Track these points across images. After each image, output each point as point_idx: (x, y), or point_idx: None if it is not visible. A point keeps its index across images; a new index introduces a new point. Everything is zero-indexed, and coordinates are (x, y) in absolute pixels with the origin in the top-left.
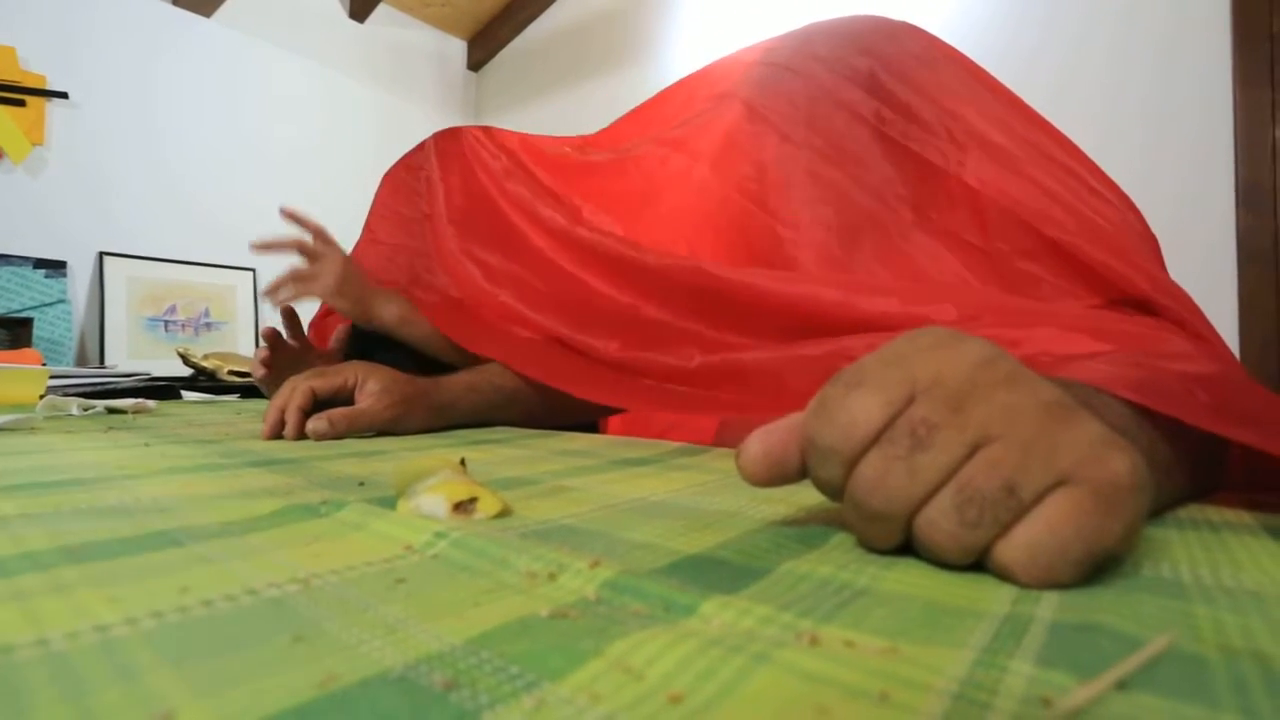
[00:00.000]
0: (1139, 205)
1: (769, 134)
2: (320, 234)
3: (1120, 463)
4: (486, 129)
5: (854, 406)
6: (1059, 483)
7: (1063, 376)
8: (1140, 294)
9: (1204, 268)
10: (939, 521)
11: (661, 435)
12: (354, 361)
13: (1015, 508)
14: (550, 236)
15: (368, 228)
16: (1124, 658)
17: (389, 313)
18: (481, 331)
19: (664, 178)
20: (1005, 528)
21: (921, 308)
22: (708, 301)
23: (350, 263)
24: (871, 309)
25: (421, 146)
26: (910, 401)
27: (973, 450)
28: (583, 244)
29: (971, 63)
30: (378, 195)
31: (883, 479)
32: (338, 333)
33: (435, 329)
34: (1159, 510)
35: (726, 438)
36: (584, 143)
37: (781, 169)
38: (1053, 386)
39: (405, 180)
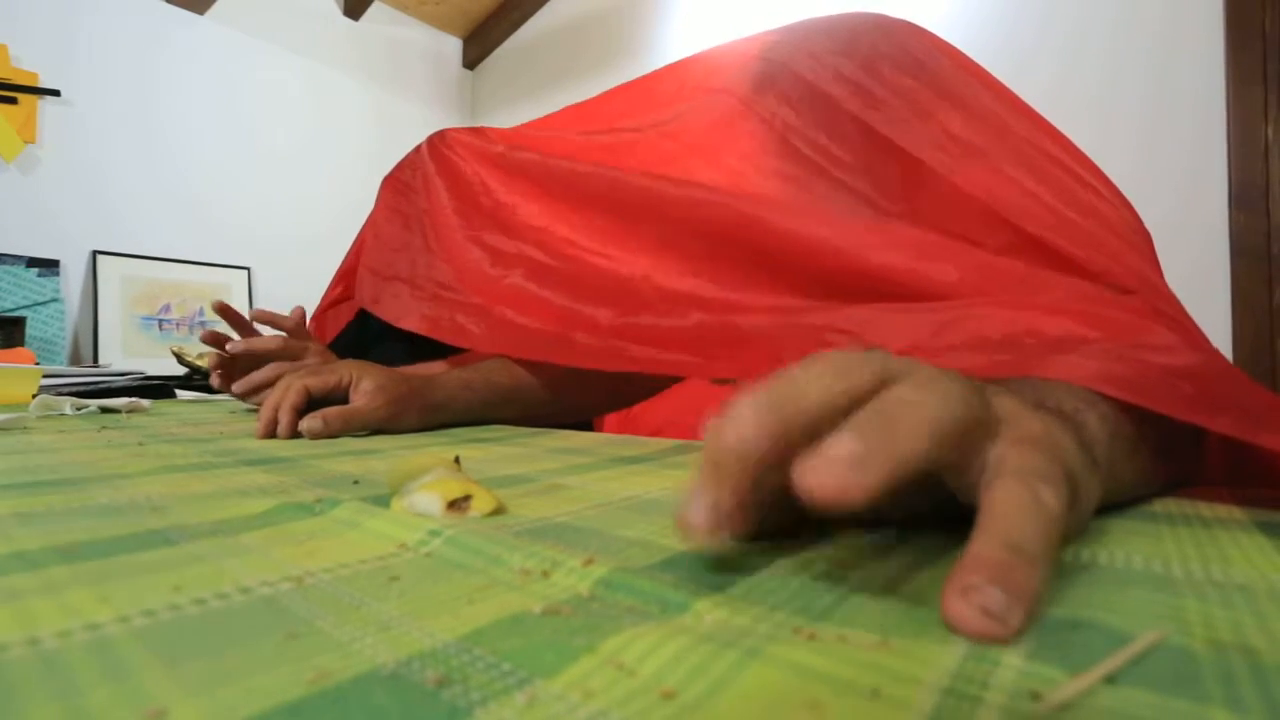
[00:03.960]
0: (1134, 202)
1: (764, 131)
2: (298, 329)
3: (1034, 425)
4: (474, 129)
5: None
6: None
7: (1053, 378)
8: (1124, 287)
9: (1197, 265)
10: None
11: (657, 433)
12: (348, 360)
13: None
14: (555, 200)
15: (372, 223)
16: (1113, 652)
17: (443, 394)
18: (486, 330)
19: (658, 169)
20: None
21: (927, 264)
22: (722, 240)
23: (368, 367)
24: (882, 260)
25: (416, 150)
26: None
27: None
28: (602, 184)
29: (969, 60)
30: (379, 196)
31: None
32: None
33: (487, 381)
34: (1151, 495)
35: None
36: (576, 115)
37: (776, 166)
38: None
39: (404, 180)
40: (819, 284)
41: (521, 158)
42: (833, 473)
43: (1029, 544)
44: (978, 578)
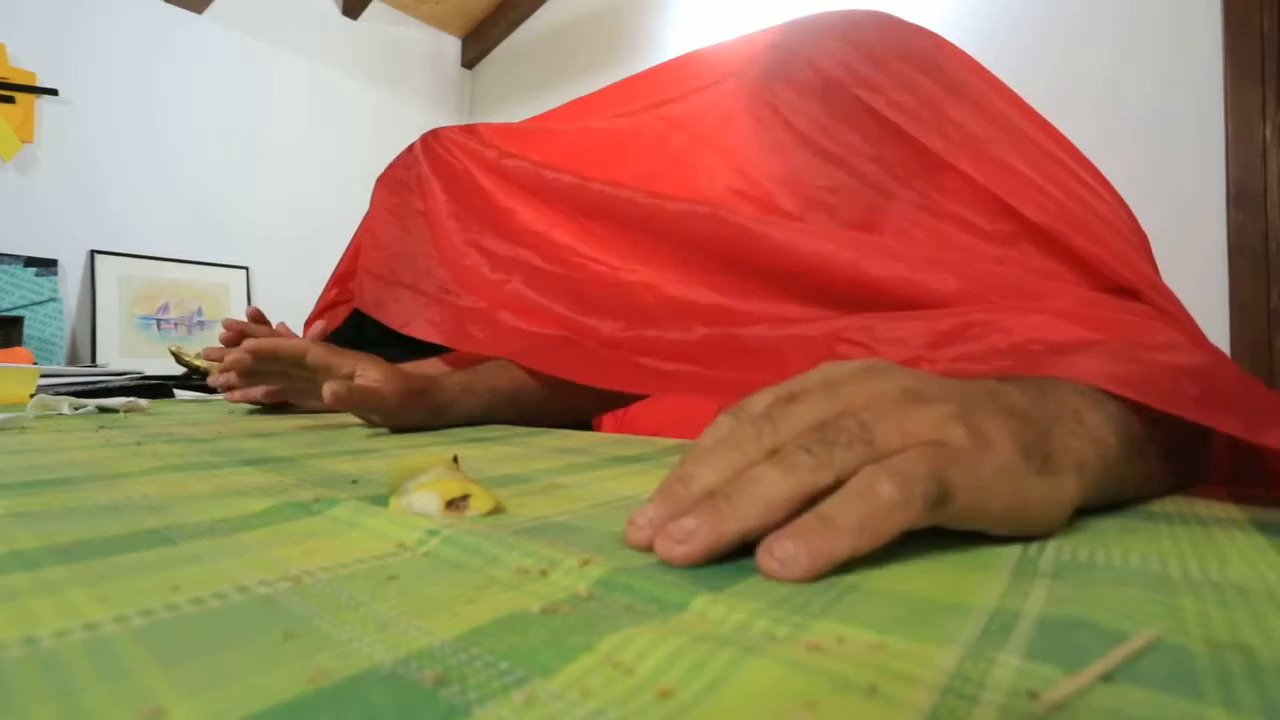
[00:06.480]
0: (1132, 203)
1: (773, 120)
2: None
3: (957, 429)
4: (467, 127)
5: (756, 399)
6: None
7: (1054, 375)
8: (1125, 283)
9: (1195, 265)
10: (803, 444)
11: (655, 433)
12: (354, 352)
13: (870, 443)
14: (550, 208)
15: (369, 230)
16: (1110, 651)
17: (445, 397)
18: (491, 335)
19: (664, 158)
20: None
21: (925, 274)
22: (720, 254)
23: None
24: (880, 273)
25: (409, 149)
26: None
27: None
28: (595, 199)
29: (972, 59)
30: (374, 199)
31: (769, 413)
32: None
33: (487, 385)
34: (1153, 495)
35: None
36: (580, 108)
37: (784, 155)
38: (913, 377)
39: (399, 180)
40: (818, 295)
41: (512, 165)
42: (665, 548)
43: (838, 516)
44: (780, 537)
